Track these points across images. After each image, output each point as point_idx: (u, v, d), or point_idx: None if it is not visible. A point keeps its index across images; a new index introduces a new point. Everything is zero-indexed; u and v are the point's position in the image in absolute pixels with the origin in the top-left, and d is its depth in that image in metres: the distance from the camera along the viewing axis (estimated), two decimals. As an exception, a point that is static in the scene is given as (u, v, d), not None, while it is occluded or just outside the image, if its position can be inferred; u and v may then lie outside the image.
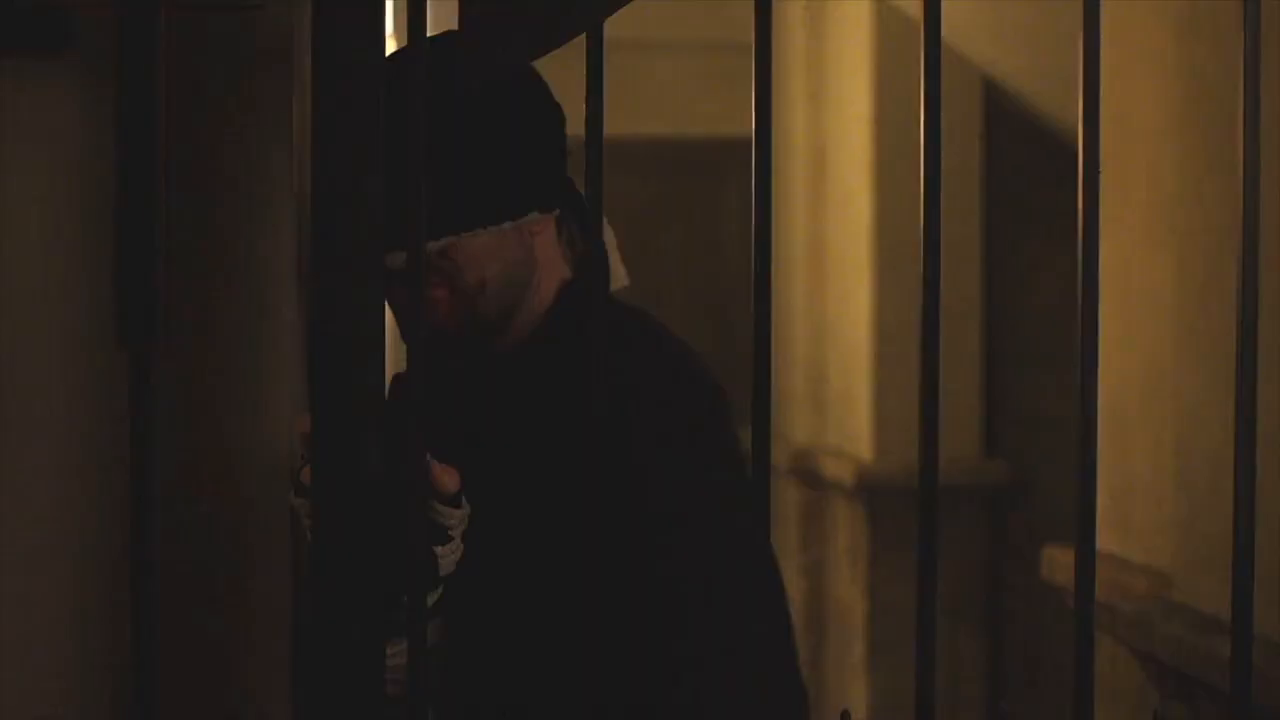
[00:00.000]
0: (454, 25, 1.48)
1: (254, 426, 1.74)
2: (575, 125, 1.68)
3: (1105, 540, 3.33)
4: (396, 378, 1.63)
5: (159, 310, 1.34)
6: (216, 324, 1.73)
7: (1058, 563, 3.69)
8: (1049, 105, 5.45)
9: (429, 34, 1.54)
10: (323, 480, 1.41)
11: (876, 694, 5.80)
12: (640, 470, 1.73)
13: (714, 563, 1.75)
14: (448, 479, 1.65)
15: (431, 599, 1.65)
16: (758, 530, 1.68)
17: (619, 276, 1.90)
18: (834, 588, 6.03)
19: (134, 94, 1.33)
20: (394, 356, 1.58)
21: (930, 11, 1.53)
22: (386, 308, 1.50)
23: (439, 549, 1.65)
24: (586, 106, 1.51)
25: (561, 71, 1.84)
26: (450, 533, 1.66)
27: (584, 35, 1.50)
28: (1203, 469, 3.11)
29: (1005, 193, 5.84)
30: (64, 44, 1.67)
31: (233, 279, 1.74)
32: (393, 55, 1.61)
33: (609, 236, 1.86)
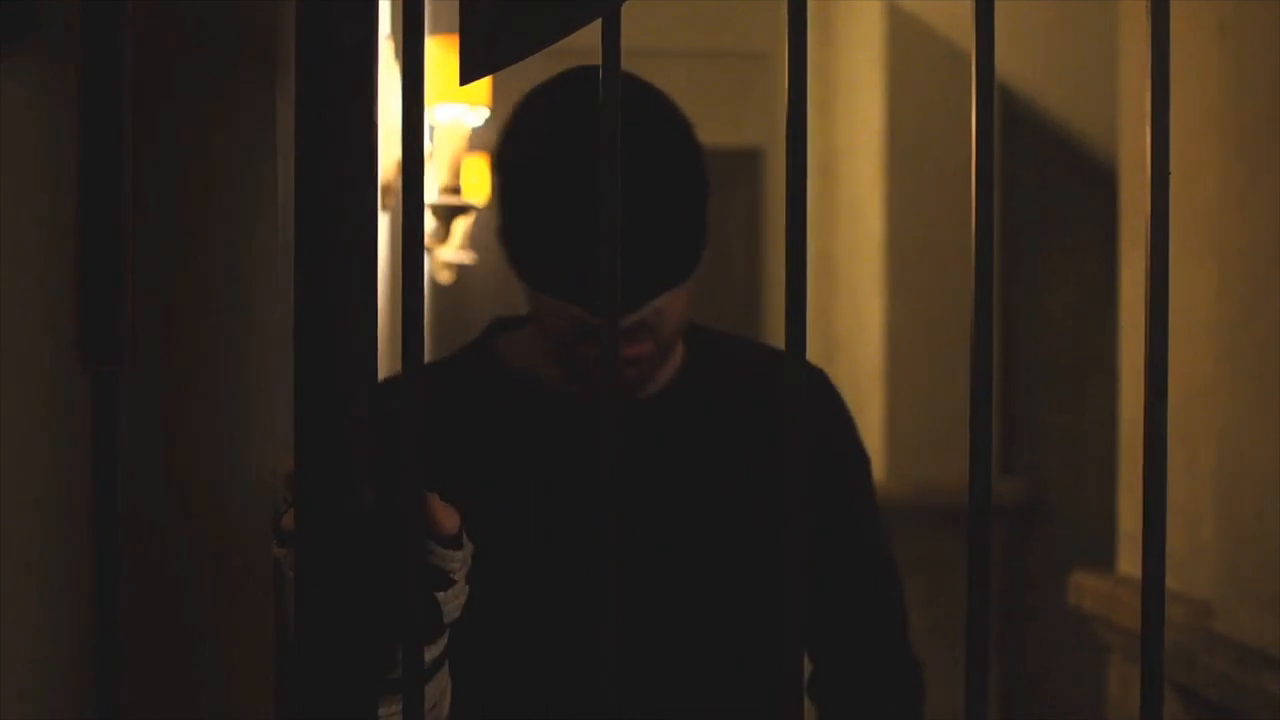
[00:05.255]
0: (455, 23, 1.35)
1: (237, 451, 1.64)
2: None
3: (1137, 566, 3.19)
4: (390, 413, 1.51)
5: (124, 329, 1.22)
6: (196, 340, 1.62)
7: (1085, 589, 3.56)
8: (1066, 112, 5.37)
9: (427, 32, 1.41)
10: (307, 515, 1.29)
11: (887, 719, 5.72)
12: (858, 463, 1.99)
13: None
14: (447, 518, 1.52)
15: (432, 653, 1.52)
16: None
17: None
18: (844, 610, 5.94)
19: (98, 85, 1.22)
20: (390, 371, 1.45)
21: (982, 53, 1.40)
22: (382, 310, 1.37)
23: (440, 594, 1.52)
24: (602, 96, 1.39)
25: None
26: (452, 576, 1.53)
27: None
28: (1247, 493, 2.99)
29: (1021, 200, 5.75)
30: (24, 32, 1.54)
31: (215, 290, 1.63)
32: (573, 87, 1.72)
33: None
